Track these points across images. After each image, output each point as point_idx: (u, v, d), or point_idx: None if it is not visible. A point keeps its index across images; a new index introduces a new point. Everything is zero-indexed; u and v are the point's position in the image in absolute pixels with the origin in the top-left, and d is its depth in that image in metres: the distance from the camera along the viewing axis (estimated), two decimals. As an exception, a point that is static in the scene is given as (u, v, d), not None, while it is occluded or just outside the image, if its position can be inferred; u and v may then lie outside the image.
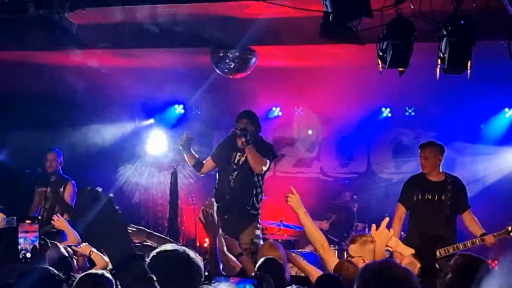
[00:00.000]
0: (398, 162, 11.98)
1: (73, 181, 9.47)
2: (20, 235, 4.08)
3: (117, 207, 2.62)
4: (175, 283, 3.27)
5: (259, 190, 8.22)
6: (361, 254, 5.45)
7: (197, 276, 3.44)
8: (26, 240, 4.08)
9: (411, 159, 11.67)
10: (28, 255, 4.04)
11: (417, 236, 7.76)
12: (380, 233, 5.27)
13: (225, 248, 5.91)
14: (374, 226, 5.36)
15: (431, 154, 7.85)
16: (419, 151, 7.95)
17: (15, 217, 6.18)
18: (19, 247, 4.07)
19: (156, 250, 3.51)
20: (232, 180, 8.18)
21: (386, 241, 5.29)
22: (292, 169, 12.52)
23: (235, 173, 8.17)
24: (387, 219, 5.47)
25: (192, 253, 3.53)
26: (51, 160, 9.38)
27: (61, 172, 9.50)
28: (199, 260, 3.53)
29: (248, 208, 8.10)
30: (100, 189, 2.62)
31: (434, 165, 7.85)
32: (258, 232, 8.05)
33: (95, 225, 2.54)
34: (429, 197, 7.86)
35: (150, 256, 3.40)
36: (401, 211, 8.01)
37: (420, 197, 7.89)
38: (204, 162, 8.69)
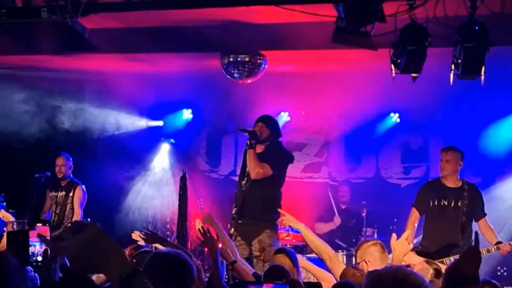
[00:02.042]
0: (406, 167, 11.95)
1: (83, 185, 9.48)
2: (31, 238, 4.08)
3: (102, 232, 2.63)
4: (167, 284, 3.37)
5: (273, 196, 8.02)
6: (364, 258, 5.49)
7: (189, 279, 3.54)
8: (37, 244, 4.08)
9: (419, 164, 11.70)
10: (39, 258, 4.04)
11: (432, 242, 7.73)
12: (400, 244, 5.33)
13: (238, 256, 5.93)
14: (394, 236, 5.39)
15: (453, 157, 7.79)
16: (442, 153, 7.86)
17: (25, 220, 6.20)
18: (31, 250, 4.08)
19: (151, 254, 3.61)
20: (243, 186, 8.14)
21: (405, 252, 5.37)
22: (301, 174, 12.50)
23: (246, 178, 8.11)
24: (408, 232, 5.74)
25: (184, 257, 3.63)
26: (60, 165, 9.41)
27: (71, 176, 9.52)
28: (191, 264, 3.62)
29: (259, 214, 7.91)
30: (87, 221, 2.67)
31: (454, 170, 7.80)
32: (270, 240, 7.79)
33: (84, 252, 2.55)
34: (445, 203, 7.82)
35: (147, 259, 3.49)
36: (414, 216, 7.96)
37: (436, 203, 7.84)
38: None
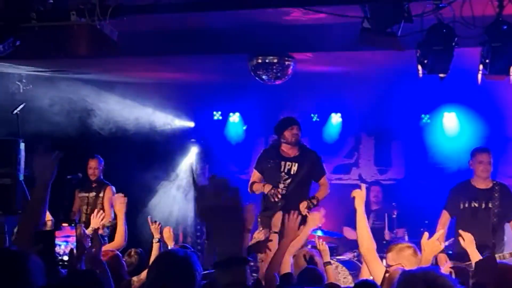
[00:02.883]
0: (435, 168, 11.86)
1: (113, 186, 9.57)
2: (57, 239, 4.14)
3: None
4: (173, 283, 3.37)
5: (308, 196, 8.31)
6: (399, 262, 5.43)
7: (193, 279, 3.47)
8: (63, 244, 4.13)
9: (448, 166, 11.59)
10: (65, 258, 4.09)
11: (460, 248, 7.66)
12: (431, 243, 5.26)
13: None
14: (426, 234, 5.33)
15: (491, 159, 7.78)
16: (483, 155, 7.79)
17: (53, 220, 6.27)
18: (56, 250, 4.13)
19: (161, 252, 3.63)
20: (285, 189, 8.21)
21: (435, 252, 5.32)
22: (330, 176, 12.46)
23: (287, 181, 8.20)
24: (441, 232, 5.69)
25: (189, 255, 3.57)
26: (94, 168, 9.52)
27: (101, 177, 9.63)
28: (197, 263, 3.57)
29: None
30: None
31: (489, 172, 7.79)
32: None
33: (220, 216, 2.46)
34: (476, 205, 7.77)
35: (156, 257, 3.52)
36: (445, 218, 7.93)
37: (466, 205, 7.80)
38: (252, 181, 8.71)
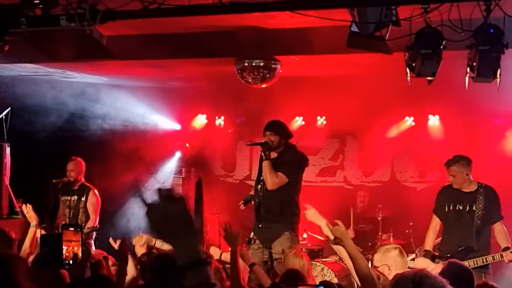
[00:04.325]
0: (422, 171, 11.95)
1: (95, 190, 9.51)
2: (64, 242, 4.13)
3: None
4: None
5: (288, 200, 8.11)
6: (385, 262, 5.47)
7: None
8: (71, 247, 4.14)
9: (435, 168, 11.67)
10: (70, 261, 4.09)
11: (448, 247, 7.74)
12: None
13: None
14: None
15: (457, 171, 7.80)
16: (446, 168, 7.87)
17: (55, 224, 6.24)
18: (63, 254, 4.12)
19: (155, 255, 3.63)
20: (259, 190, 8.20)
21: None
22: (316, 178, 12.53)
23: (261, 183, 8.19)
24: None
25: None
26: (70, 170, 9.42)
27: (83, 180, 9.53)
28: None
29: (276, 218, 8.04)
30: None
31: (462, 181, 7.82)
32: (290, 243, 7.89)
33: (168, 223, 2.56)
34: (460, 207, 7.84)
35: (150, 258, 3.54)
36: (435, 222, 8.02)
37: (451, 207, 7.87)
38: None
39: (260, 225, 8.05)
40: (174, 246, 2.56)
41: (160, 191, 2.57)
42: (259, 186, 8.20)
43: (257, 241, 7.99)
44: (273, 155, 8.17)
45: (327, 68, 9.61)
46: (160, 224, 2.56)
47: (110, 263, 6.27)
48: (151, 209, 2.54)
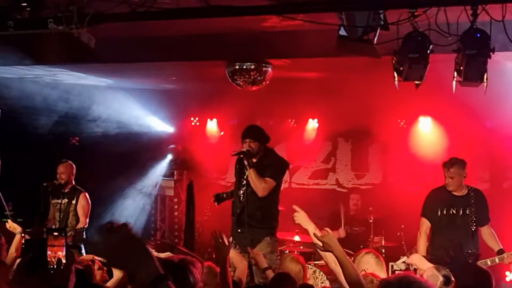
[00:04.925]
0: (413, 173, 11.95)
1: (86, 192, 9.48)
2: (48, 247, 4.11)
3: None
4: None
5: (270, 204, 8.10)
6: (361, 268, 5.56)
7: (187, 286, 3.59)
8: (53, 252, 4.11)
9: (427, 171, 11.68)
10: (55, 266, 4.07)
11: (442, 251, 7.70)
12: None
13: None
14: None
15: (456, 173, 7.79)
16: (444, 169, 7.85)
17: (44, 229, 6.23)
18: (48, 259, 4.10)
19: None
20: (242, 195, 8.19)
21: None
22: (308, 181, 12.53)
23: (244, 188, 8.17)
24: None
25: (182, 264, 3.68)
26: (60, 173, 9.39)
27: (73, 183, 9.51)
28: (189, 271, 3.67)
29: (257, 223, 8.02)
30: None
31: (459, 183, 7.84)
32: (270, 248, 7.92)
33: (117, 252, 2.66)
34: (454, 211, 7.84)
35: None
36: (426, 226, 7.99)
37: (444, 211, 7.86)
38: None
39: (239, 230, 8.03)
40: (131, 270, 2.64)
41: (102, 227, 2.67)
42: (241, 192, 8.18)
43: (237, 246, 7.95)
44: (253, 160, 8.13)
45: (318, 71, 9.62)
46: (110, 255, 2.65)
47: (96, 267, 6.26)
48: (100, 245, 2.63)
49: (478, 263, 7.45)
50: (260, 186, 7.92)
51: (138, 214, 12.25)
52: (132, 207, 12.30)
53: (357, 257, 5.74)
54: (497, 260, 7.57)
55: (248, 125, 8.36)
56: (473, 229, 7.76)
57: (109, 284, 6.07)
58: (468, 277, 3.79)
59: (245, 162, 7.97)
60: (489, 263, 7.49)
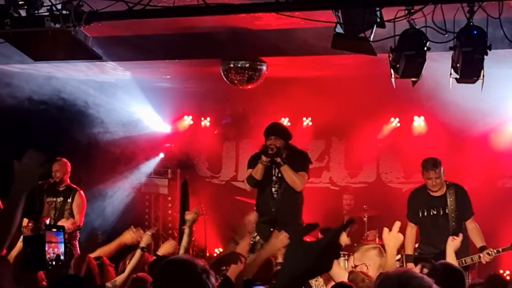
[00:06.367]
0: (407, 171, 11.98)
1: (81, 191, 9.46)
2: (46, 243, 4.10)
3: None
4: None
5: (300, 201, 8.22)
6: (363, 261, 5.52)
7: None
8: (51, 248, 4.10)
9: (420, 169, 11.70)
10: (53, 263, 4.06)
11: (427, 250, 7.77)
12: (392, 236, 5.27)
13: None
14: (386, 229, 5.33)
15: (440, 173, 7.82)
16: (430, 172, 7.82)
17: (42, 225, 6.21)
18: (47, 255, 4.09)
19: (162, 262, 3.57)
20: (276, 193, 8.18)
21: (398, 244, 5.30)
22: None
23: (277, 185, 8.16)
24: (398, 223, 5.40)
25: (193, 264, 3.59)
26: (55, 171, 9.37)
27: (68, 181, 9.48)
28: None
29: (289, 221, 7.95)
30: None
31: (442, 182, 7.88)
32: None
33: None
34: (434, 212, 7.89)
35: (159, 267, 3.49)
36: (411, 228, 8.06)
37: (425, 213, 7.92)
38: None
39: (272, 229, 7.83)
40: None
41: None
42: (273, 190, 8.18)
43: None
44: (277, 159, 8.09)
45: (312, 69, 9.63)
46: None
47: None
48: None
49: (459, 261, 7.51)
50: (298, 180, 8.00)
51: (130, 211, 12.20)
52: (124, 205, 12.25)
53: (362, 248, 5.67)
54: (475, 258, 7.61)
55: (272, 123, 8.34)
56: (454, 228, 7.72)
57: (117, 281, 6.08)
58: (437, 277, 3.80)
59: (278, 160, 7.97)
60: (469, 261, 7.55)
